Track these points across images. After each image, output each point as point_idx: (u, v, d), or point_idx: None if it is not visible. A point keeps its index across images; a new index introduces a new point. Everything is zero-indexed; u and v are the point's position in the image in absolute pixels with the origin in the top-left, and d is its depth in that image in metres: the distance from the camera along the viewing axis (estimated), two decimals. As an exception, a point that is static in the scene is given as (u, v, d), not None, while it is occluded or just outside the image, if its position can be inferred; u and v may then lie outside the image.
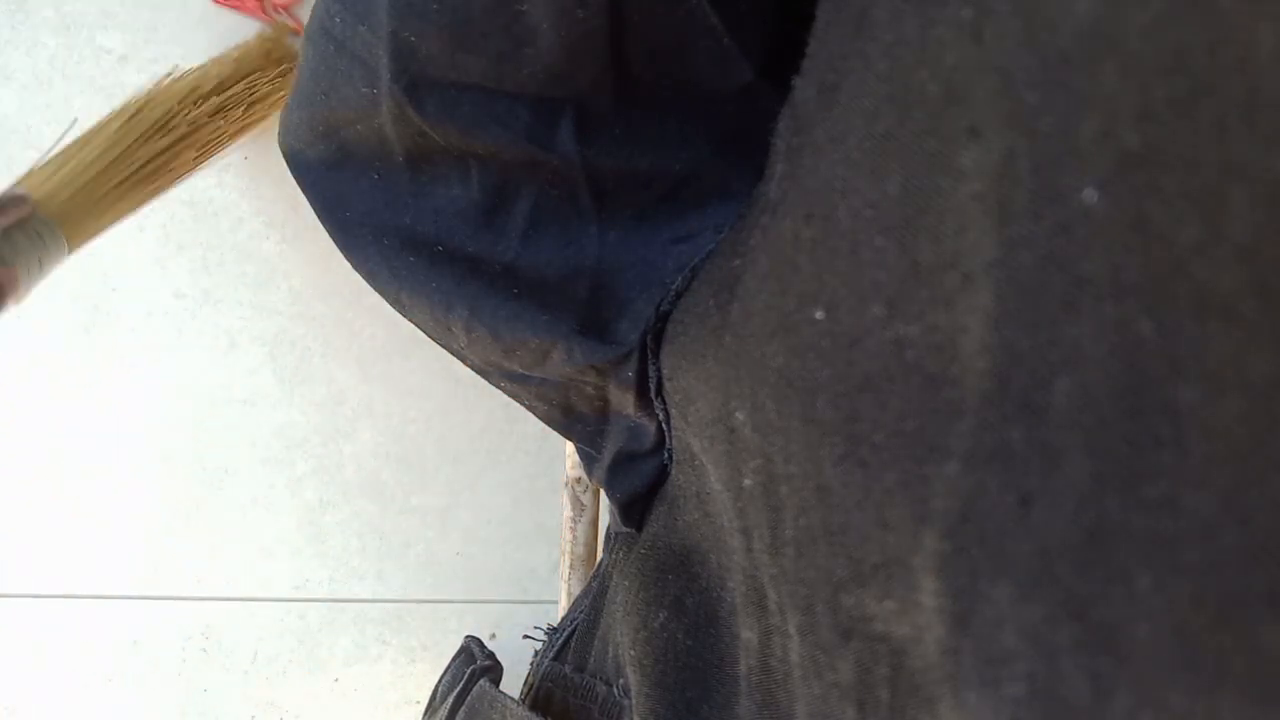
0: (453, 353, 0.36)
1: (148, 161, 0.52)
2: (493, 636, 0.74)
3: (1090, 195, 0.15)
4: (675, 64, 0.28)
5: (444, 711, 0.40)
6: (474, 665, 0.41)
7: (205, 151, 0.56)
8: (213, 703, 0.72)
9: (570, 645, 0.40)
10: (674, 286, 0.30)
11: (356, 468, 0.72)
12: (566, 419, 0.37)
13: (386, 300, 0.34)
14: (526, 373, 0.34)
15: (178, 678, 0.71)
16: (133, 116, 0.52)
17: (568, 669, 0.39)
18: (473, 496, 0.74)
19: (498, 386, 0.37)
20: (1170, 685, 0.14)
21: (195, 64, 0.59)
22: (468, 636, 0.45)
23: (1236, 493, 0.13)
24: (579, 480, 0.55)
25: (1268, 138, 0.12)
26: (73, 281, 0.66)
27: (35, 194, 0.47)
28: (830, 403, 0.21)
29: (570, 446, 0.54)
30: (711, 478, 0.29)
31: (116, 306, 0.67)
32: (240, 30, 0.65)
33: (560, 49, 0.27)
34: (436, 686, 0.45)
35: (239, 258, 0.68)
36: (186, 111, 0.53)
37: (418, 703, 0.75)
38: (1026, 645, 0.16)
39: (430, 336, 0.35)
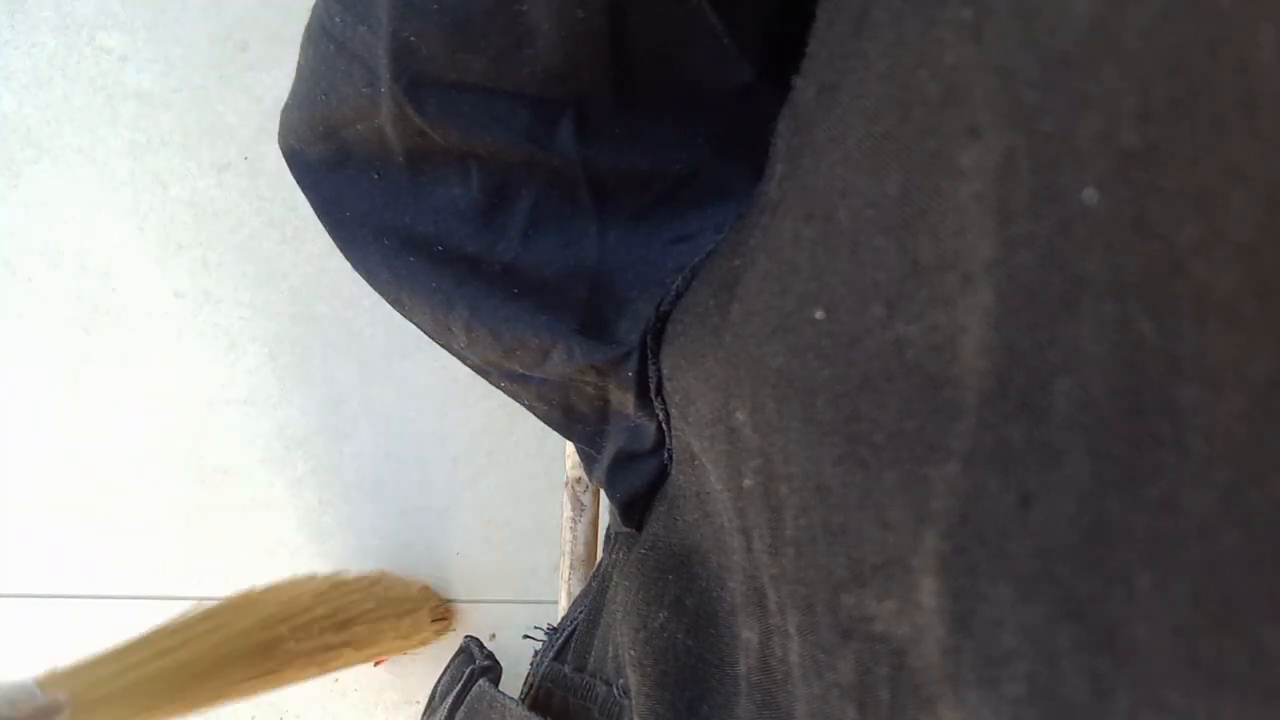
0: (453, 353, 0.36)
1: (218, 685, 0.46)
2: (493, 636, 0.74)
3: (1090, 195, 0.15)
4: (675, 64, 0.28)
5: (443, 711, 0.40)
6: (473, 665, 0.41)
7: (283, 683, 0.50)
8: (213, 703, 0.72)
9: (570, 645, 0.40)
10: (674, 286, 0.30)
11: (356, 468, 0.72)
12: (566, 419, 0.37)
13: (386, 300, 0.34)
14: (526, 373, 0.34)
15: (178, 678, 0.71)
16: (235, 635, 0.45)
17: (568, 669, 0.39)
18: (473, 496, 0.74)
19: (498, 386, 0.37)
20: (1170, 685, 0.14)
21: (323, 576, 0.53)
22: (467, 636, 0.45)
23: (1236, 493, 0.13)
24: (579, 480, 0.55)
25: (1268, 138, 0.12)
26: (73, 281, 0.66)
27: (78, 693, 0.41)
28: (830, 403, 0.21)
29: (570, 446, 0.54)
30: (711, 478, 0.29)
31: (116, 306, 0.67)
32: (245, 25, 0.65)
33: (560, 49, 0.27)
34: (436, 686, 0.45)
35: (239, 258, 0.68)
36: (291, 642, 0.47)
37: (418, 703, 0.75)
38: (1026, 645, 0.16)
39: (430, 336, 0.35)
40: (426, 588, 0.61)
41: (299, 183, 0.34)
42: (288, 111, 0.34)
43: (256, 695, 0.50)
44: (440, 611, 0.61)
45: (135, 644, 0.47)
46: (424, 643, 0.58)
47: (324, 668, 0.50)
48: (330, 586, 0.54)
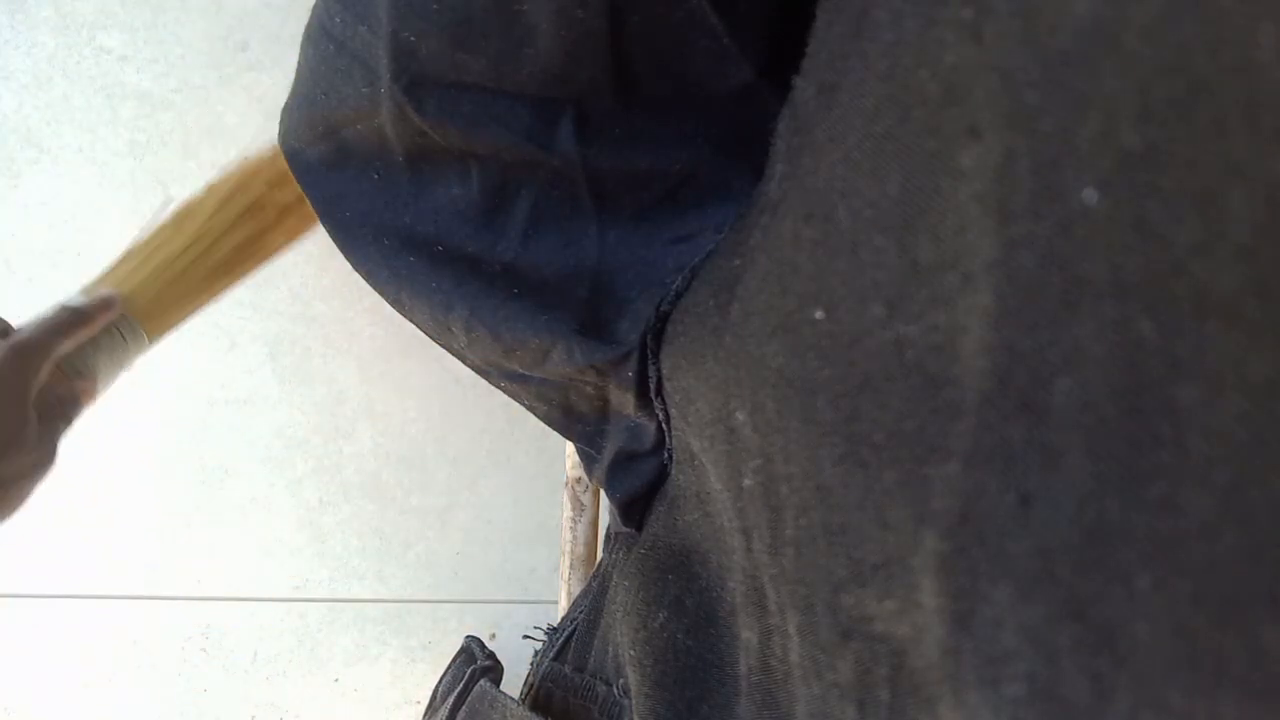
0: (453, 353, 0.36)
1: (236, 248, 0.50)
2: (493, 636, 0.74)
3: (1090, 195, 0.15)
4: (675, 64, 0.28)
5: (444, 711, 0.40)
6: (474, 665, 0.41)
7: (292, 235, 0.54)
8: (213, 703, 0.72)
9: (570, 645, 0.40)
10: (674, 286, 0.30)
11: (356, 468, 0.72)
12: (566, 419, 0.37)
13: (386, 300, 0.34)
14: (526, 373, 0.34)
15: (178, 678, 0.71)
16: (223, 202, 0.50)
17: (568, 669, 0.39)
18: (473, 496, 0.74)
19: (498, 386, 0.37)
20: (1170, 685, 0.14)
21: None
22: (468, 636, 0.45)
23: (1236, 493, 0.13)
24: (579, 480, 0.55)
25: (1268, 138, 0.12)
26: (73, 281, 0.66)
27: (123, 290, 0.46)
28: (830, 403, 0.21)
29: (570, 446, 0.54)
30: (711, 478, 0.29)
31: (116, 306, 0.67)
32: (245, 25, 0.65)
33: (560, 49, 0.27)
34: (437, 686, 0.45)
35: (239, 258, 0.68)
36: (275, 194, 0.50)
37: (418, 703, 0.75)
38: (1026, 645, 0.16)
39: (430, 336, 0.35)
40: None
41: (299, 182, 0.34)
42: (288, 111, 0.34)
43: (272, 255, 0.54)
44: None
45: (155, 238, 0.50)
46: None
47: (309, 219, 0.54)
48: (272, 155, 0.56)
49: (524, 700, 0.39)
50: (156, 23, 0.64)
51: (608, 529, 0.42)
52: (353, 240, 0.33)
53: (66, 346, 0.42)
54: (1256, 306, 0.13)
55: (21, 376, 0.39)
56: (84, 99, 0.64)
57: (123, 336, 0.46)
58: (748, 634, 0.27)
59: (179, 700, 0.72)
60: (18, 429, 0.38)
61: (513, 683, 0.41)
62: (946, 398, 0.18)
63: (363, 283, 0.34)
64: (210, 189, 0.51)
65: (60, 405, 0.42)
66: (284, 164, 0.53)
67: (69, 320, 0.42)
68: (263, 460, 0.70)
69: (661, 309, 0.30)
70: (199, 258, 0.49)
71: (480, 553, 0.75)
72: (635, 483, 0.36)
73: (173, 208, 0.51)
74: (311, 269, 0.68)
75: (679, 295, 0.30)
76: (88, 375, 0.44)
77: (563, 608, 0.56)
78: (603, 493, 0.45)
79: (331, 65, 0.30)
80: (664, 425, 0.33)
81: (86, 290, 0.46)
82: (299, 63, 0.32)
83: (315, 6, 0.30)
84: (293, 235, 0.53)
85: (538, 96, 0.28)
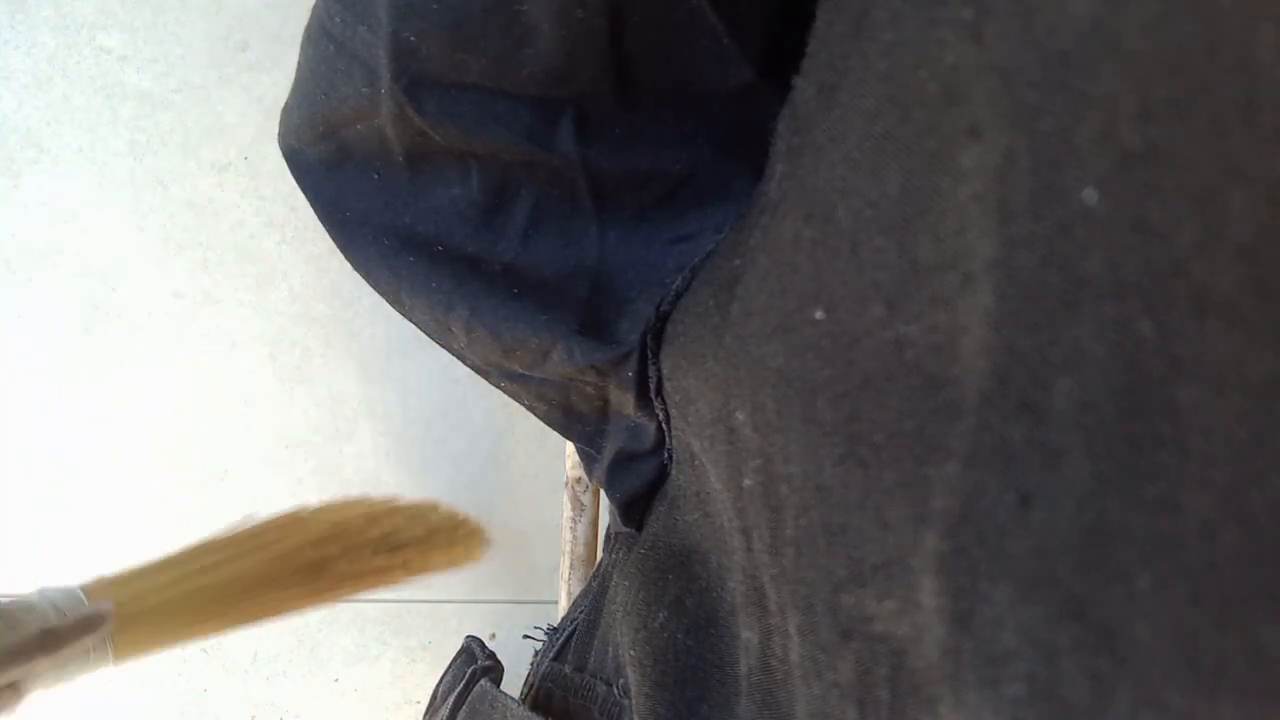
0: (453, 353, 0.36)
1: (267, 603, 0.47)
2: (493, 636, 0.74)
3: (1090, 195, 0.15)
4: (675, 64, 0.28)
5: (444, 711, 0.40)
6: (475, 665, 0.41)
7: (319, 602, 0.50)
8: (213, 703, 0.72)
9: (570, 645, 0.40)
10: (674, 286, 0.30)
11: (356, 468, 0.72)
12: (566, 419, 0.37)
13: (386, 300, 0.34)
14: (526, 373, 0.34)
15: (178, 678, 0.71)
16: (285, 552, 0.46)
17: (568, 669, 0.39)
18: (473, 496, 0.74)
19: (498, 386, 0.37)
20: (1170, 685, 0.14)
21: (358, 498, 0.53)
22: (468, 636, 0.45)
23: (1236, 493, 0.13)
24: (579, 480, 0.55)
25: (1268, 138, 0.12)
26: (73, 281, 0.66)
27: (122, 603, 0.41)
28: (830, 403, 0.21)
29: (570, 446, 0.54)
30: (711, 478, 0.29)
31: (116, 306, 0.67)
32: (245, 25, 0.65)
33: (560, 49, 0.27)
34: (437, 687, 0.45)
35: (239, 258, 0.68)
36: (340, 561, 0.47)
37: (418, 703, 0.75)
38: (1026, 645, 0.16)
39: (430, 336, 0.35)
40: (476, 523, 0.60)
41: (299, 183, 0.34)
42: (288, 111, 0.34)
43: (302, 611, 0.50)
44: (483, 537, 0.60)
45: (182, 555, 0.47)
46: (468, 559, 0.57)
47: (371, 586, 0.51)
48: (384, 509, 0.53)
49: (524, 700, 0.39)
50: (156, 23, 0.64)
51: (608, 529, 0.42)
52: (353, 240, 0.33)
53: (22, 672, 0.37)
54: (1256, 306, 0.13)
55: None
56: (84, 99, 0.64)
57: (88, 655, 0.41)
58: (748, 634, 0.27)
59: (179, 700, 0.72)
60: None
61: (513, 683, 0.41)
62: (946, 398, 0.18)
63: (363, 283, 0.34)
64: (277, 529, 0.47)
65: None
66: (365, 521, 0.48)
67: (39, 646, 0.37)
68: (263, 460, 0.70)
69: (661, 309, 0.30)
70: (221, 601, 0.45)
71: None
72: (635, 483, 0.36)
73: (235, 531, 0.46)
74: (311, 269, 0.68)
75: (679, 295, 0.30)
76: (25, 687, 0.38)
77: (563, 608, 0.56)
78: (603, 493, 0.45)
79: (331, 65, 0.29)
80: (664, 425, 0.33)
81: (88, 588, 0.42)
82: (299, 63, 0.32)
83: (315, 6, 0.30)
84: (320, 601, 0.49)
85: (538, 96, 0.28)
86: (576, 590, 0.53)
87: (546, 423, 0.38)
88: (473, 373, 0.37)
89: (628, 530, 0.37)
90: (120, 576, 0.44)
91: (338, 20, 0.29)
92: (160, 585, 0.45)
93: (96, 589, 0.43)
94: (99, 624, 0.40)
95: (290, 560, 0.48)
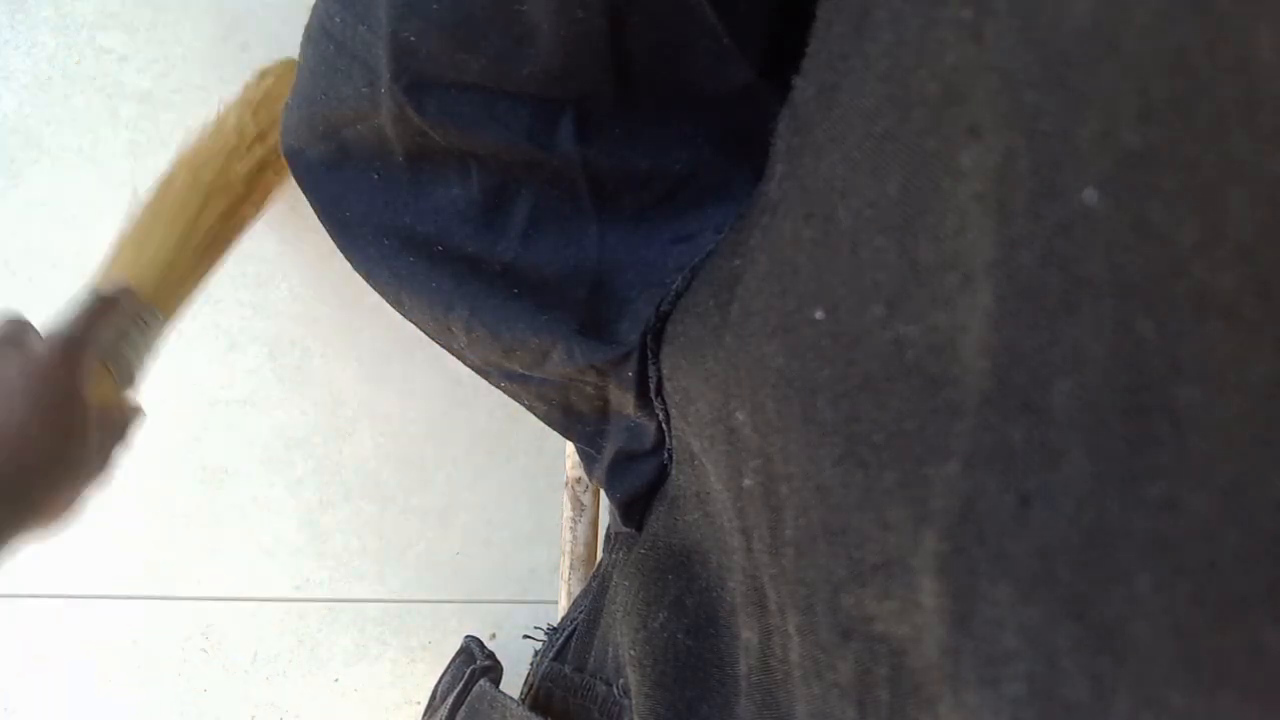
0: (453, 353, 0.36)
1: (215, 223, 0.52)
2: (493, 636, 0.74)
3: (1090, 195, 0.15)
4: (675, 64, 0.28)
5: (444, 711, 0.40)
6: (474, 665, 0.41)
7: (262, 203, 0.56)
8: (213, 703, 0.72)
9: (570, 645, 0.40)
10: (674, 286, 0.30)
11: (356, 468, 0.72)
12: (566, 419, 0.37)
13: (386, 300, 0.34)
14: (526, 373, 0.34)
15: (178, 678, 0.71)
16: (192, 180, 0.51)
17: (568, 669, 0.39)
18: (473, 496, 0.74)
19: (498, 386, 0.37)
20: (1170, 685, 0.14)
21: (222, 104, 0.57)
22: (468, 636, 0.45)
23: (1236, 493, 0.13)
24: (579, 480, 0.55)
25: (1268, 138, 0.12)
26: (73, 281, 0.66)
27: (130, 278, 0.47)
28: (830, 403, 0.21)
29: (570, 446, 0.54)
30: (711, 478, 0.29)
31: (116, 306, 0.67)
32: (245, 25, 0.65)
33: (560, 49, 0.27)
34: (436, 686, 0.45)
35: (239, 258, 0.68)
36: (238, 166, 0.52)
37: (418, 703, 0.75)
38: (1026, 645, 0.16)
39: (430, 336, 0.35)
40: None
41: (299, 183, 0.34)
42: (288, 111, 0.34)
43: (249, 223, 0.56)
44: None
45: (146, 217, 0.51)
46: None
47: (273, 183, 0.56)
48: (243, 106, 0.57)
49: (524, 700, 0.39)
50: (156, 23, 0.64)
51: (608, 529, 0.42)
52: (353, 240, 0.33)
53: (106, 335, 0.41)
54: (1256, 306, 0.13)
55: (72, 374, 0.38)
56: (84, 99, 0.64)
57: (145, 321, 0.46)
58: (748, 634, 0.27)
59: (179, 700, 0.72)
60: (78, 430, 0.37)
61: (513, 683, 0.41)
62: (946, 398, 0.18)
63: (363, 283, 0.34)
64: (173, 171, 0.52)
65: (114, 422, 0.41)
66: (236, 130, 0.54)
67: (100, 308, 0.41)
68: (263, 460, 0.70)
69: (661, 309, 0.30)
70: (185, 238, 0.50)
71: (480, 553, 0.75)
72: (635, 483, 0.36)
73: (144, 195, 0.52)
74: (311, 269, 0.68)
75: (679, 295, 0.30)
76: (126, 370, 0.44)
77: (563, 608, 0.56)
78: (603, 493, 0.45)
79: (331, 65, 0.30)
80: (664, 425, 0.33)
81: (94, 285, 0.46)
82: (299, 63, 0.32)
83: (315, 6, 0.30)
84: (261, 202, 0.55)
85: (538, 96, 0.28)
86: (576, 590, 0.53)
87: (546, 423, 0.38)
88: (473, 373, 0.37)
89: (628, 530, 0.37)
90: (107, 268, 0.48)
91: (338, 20, 0.29)
92: (151, 245, 0.49)
93: (101, 281, 0.46)
94: (130, 288, 0.44)
95: (226, 174, 0.53)
